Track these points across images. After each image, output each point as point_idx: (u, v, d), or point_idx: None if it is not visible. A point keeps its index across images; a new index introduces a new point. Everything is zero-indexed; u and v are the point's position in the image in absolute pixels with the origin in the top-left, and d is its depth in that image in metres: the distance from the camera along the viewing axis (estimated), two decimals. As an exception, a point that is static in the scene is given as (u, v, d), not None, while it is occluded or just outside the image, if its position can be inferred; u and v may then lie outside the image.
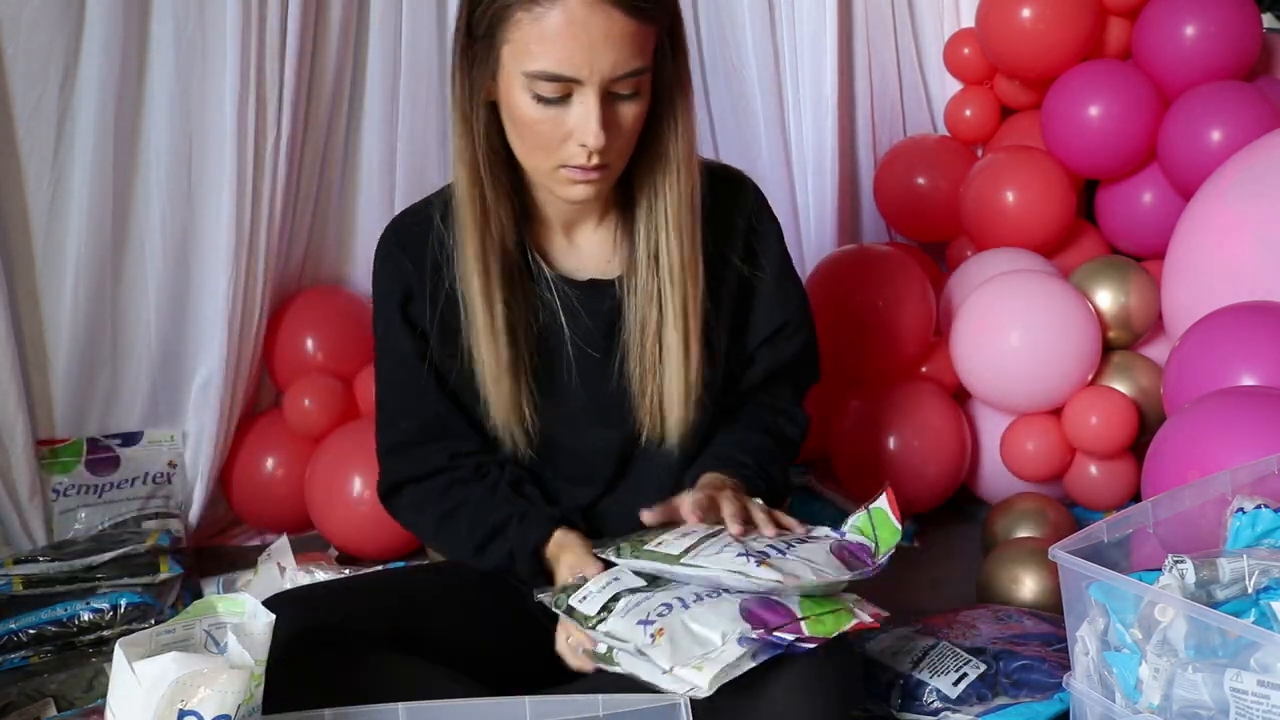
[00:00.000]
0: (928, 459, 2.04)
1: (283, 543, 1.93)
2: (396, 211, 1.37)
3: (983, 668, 1.32)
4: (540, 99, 1.10)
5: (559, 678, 1.21)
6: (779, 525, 1.14)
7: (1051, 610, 1.55)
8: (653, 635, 1.00)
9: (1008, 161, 2.24)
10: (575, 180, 1.14)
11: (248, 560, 2.00)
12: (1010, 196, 2.18)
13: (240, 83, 1.95)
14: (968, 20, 2.49)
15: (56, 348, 1.98)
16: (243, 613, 0.97)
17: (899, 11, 2.54)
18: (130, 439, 2.09)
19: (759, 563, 1.04)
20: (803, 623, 1.02)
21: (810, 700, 1.01)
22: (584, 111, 1.09)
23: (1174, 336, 1.83)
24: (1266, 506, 1.15)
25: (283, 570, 1.84)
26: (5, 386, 1.89)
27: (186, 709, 0.88)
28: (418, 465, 1.29)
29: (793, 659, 1.01)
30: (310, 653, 1.09)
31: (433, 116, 2.19)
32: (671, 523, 1.16)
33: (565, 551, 1.19)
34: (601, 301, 1.25)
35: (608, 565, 1.13)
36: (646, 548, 1.10)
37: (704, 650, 0.99)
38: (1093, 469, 2.00)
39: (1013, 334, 1.96)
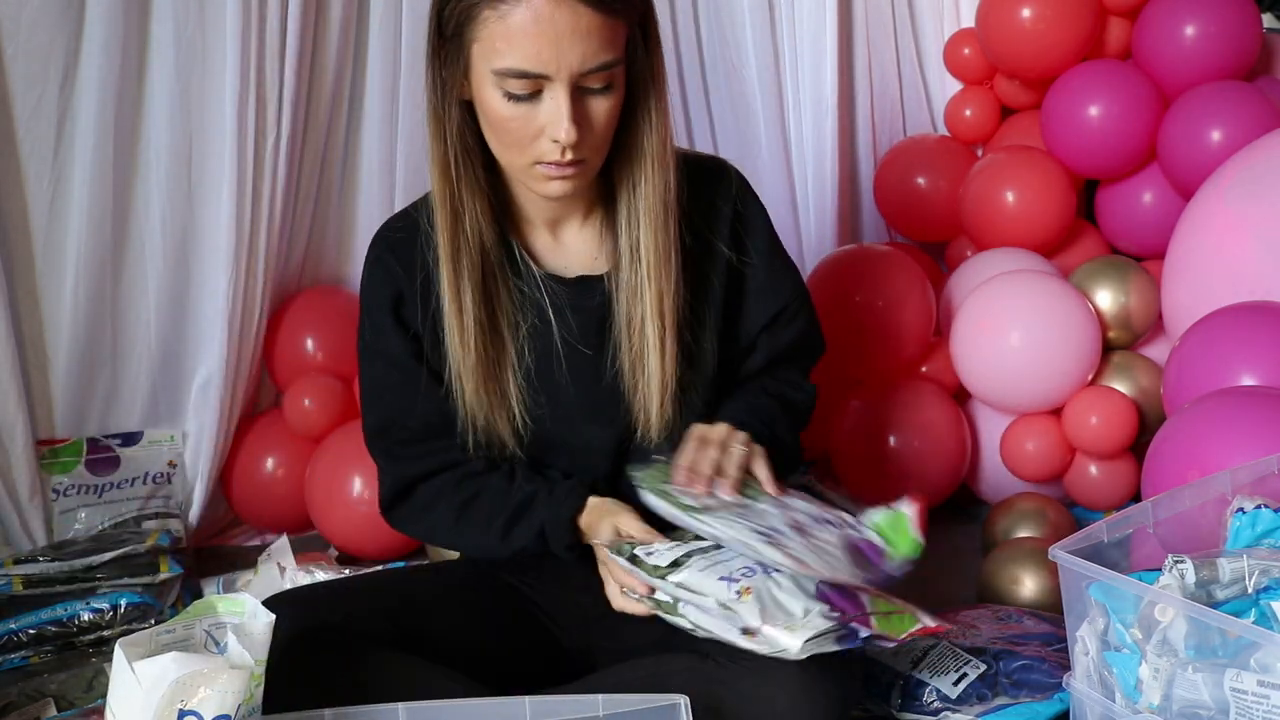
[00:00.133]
0: (928, 459, 2.04)
1: (283, 543, 1.93)
2: (396, 211, 1.37)
3: (983, 668, 1.32)
4: (511, 96, 1.10)
5: (559, 678, 1.21)
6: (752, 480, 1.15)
7: (1051, 610, 1.55)
8: (739, 592, 1.02)
9: (1008, 161, 2.23)
10: (551, 176, 1.14)
11: (248, 560, 2.00)
12: (1010, 196, 2.18)
13: (240, 83, 1.95)
14: (968, 20, 2.48)
15: (56, 348, 1.98)
16: (243, 613, 0.98)
17: (899, 11, 2.54)
18: (130, 439, 2.09)
19: (768, 542, 1.05)
20: (872, 618, 1.04)
21: (810, 700, 1.02)
22: (554, 107, 1.09)
23: (1174, 336, 1.83)
24: (1266, 506, 1.15)
25: (283, 570, 1.84)
26: (5, 386, 1.89)
27: (186, 709, 0.88)
28: (427, 462, 1.28)
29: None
30: (310, 653, 1.09)
31: (433, 116, 2.19)
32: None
33: (607, 514, 1.19)
34: (590, 298, 1.25)
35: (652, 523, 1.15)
36: (668, 490, 1.10)
37: (789, 617, 1.00)
38: (1093, 469, 2.00)
39: (1013, 334, 1.96)
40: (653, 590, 1.09)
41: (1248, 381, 1.52)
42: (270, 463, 2.12)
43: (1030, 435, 2.00)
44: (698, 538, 1.10)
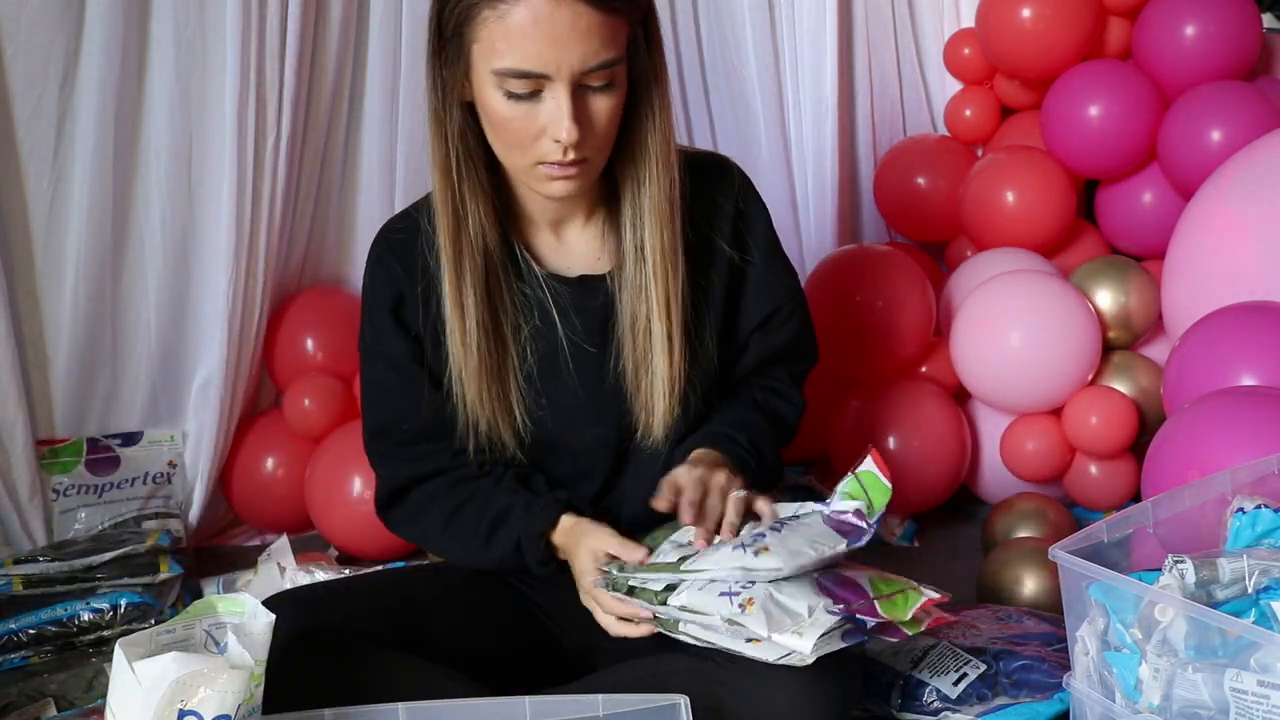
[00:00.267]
0: (928, 459, 2.04)
1: (283, 543, 1.93)
2: (396, 211, 1.37)
3: (983, 668, 1.32)
4: (512, 96, 1.10)
5: (559, 678, 1.21)
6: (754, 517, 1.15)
7: (1051, 610, 1.55)
8: (742, 605, 1.02)
9: (1008, 161, 2.23)
10: (554, 176, 1.14)
11: (248, 560, 2.00)
12: (1010, 196, 2.18)
13: (240, 83, 1.95)
14: (968, 20, 2.48)
15: (56, 348, 1.98)
16: (243, 613, 0.98)
17: (899, 11, 2.54)
18: (130, 439, 2.09)
19: (756, 553, 1.06)
20: (876, 603, 1.04)
21: (810, 700, 1.02)
22: (555, 106, 1.09)
23: (1174, 336, 1.83)
24: (1266, 506, 1.15)
25: (283, 570, 1.84)
26: (5, 386, 1.89)
27: (186, 709, 0.88)
28: (421, 466, 1.28)
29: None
30: (310, 653, 1.09)
31: (433, 116, 2.19)
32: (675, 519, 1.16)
33: (583, 537, 1.18)
34: (594, 298, 1.25)
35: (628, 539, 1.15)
36: (642, 571, 1.11)
37: (796, 620, 1.01)
38: (1093, 469, 2.00)
39: (1013, 334, 1.96)
40: (653, 614, 1.09)
41: (1248, 381, 1.52)
42: (270, 463, 2.12)
43: (1030, 435, 2.00)
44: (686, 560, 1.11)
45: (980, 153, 2.49)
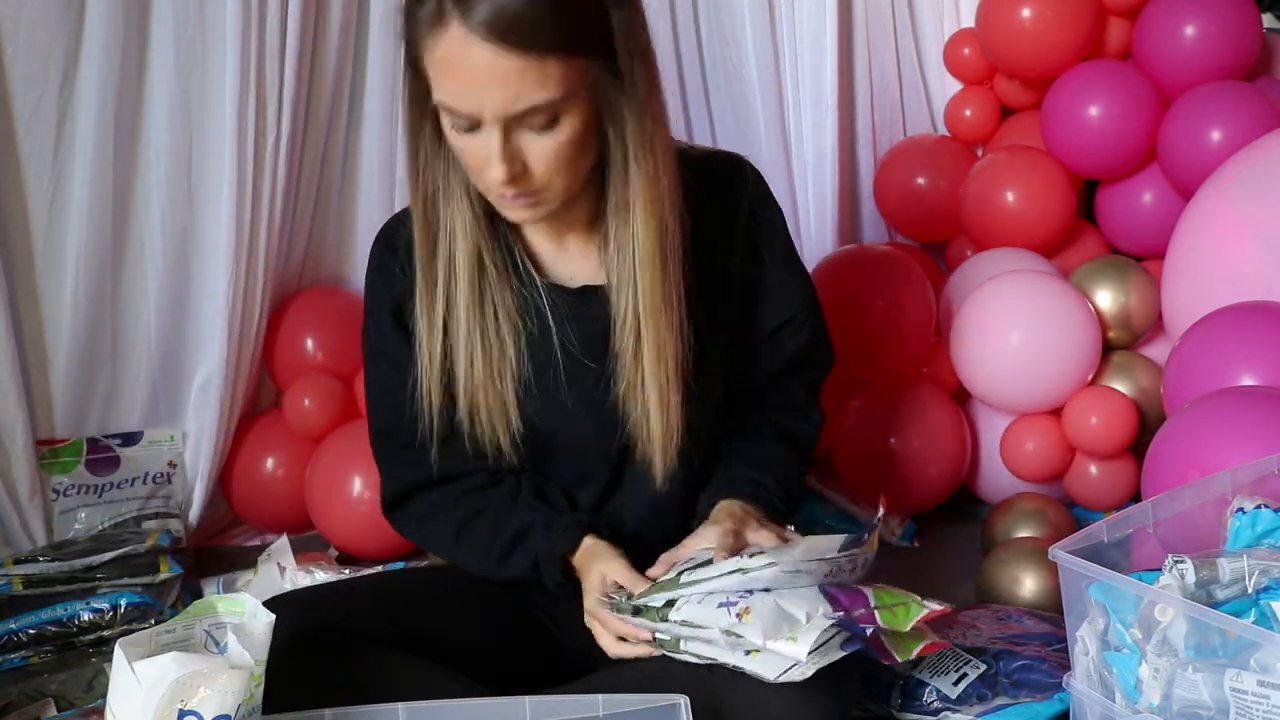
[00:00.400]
0: (928, 459, 2.04)
1: (283, 543, 1.93)
2: (397, 211, 1.36)
3: (983, 668, 1.32)
4: (455, 126, 1.05)
5: (559, 678, 1.21)
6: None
7: (1051, 610, 1.55)
8: (739, 614, 1.02)
9: (1008, 161, 2.23)
10: (509, 203, 1.09)
11: (248, 560, 2.00)
12: (1010, 196, 2.18)
13: (240, 83, 1.95)
14: (968, 20, 2.48)
15: (56, 348, 1.98)
16: (243, 613, 0.97)
17: (899, 11, 2.54)
18: (130, 439, 2.09)
19: (751, 554, 1.07)
20: (876, 612, 1.04)
21: (809, 700, 1.01)
22: (486, 146, 1.03)
23: (1174, 336, 1.83)
24: (1266, 506, 1.15)
25: (283, 570, 1.84)
26: (5, 386, 1.89)
27: (186, 709, 0.88)
28: (426, 470, 1.26)
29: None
30: (310, 653, 1.08)
31: (433, 116, 2.19)
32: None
33: (596, 559, 1.17)
34: (593, 309, 1.21)
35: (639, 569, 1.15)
36: (641, 599, 1.11)
37: (793, 626, 1.01)
38: (1093, 469, 2.01)
39: (1013, 334, 1.96)
40: (653, 635, 1.09)
41: (1248, 381, 1.52)
42: (270, 463, 2.12)
43: (1030, 435, 2.00)
44: (685, 573, 1.11)
45: (980, 153, 2.49)
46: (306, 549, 1.98)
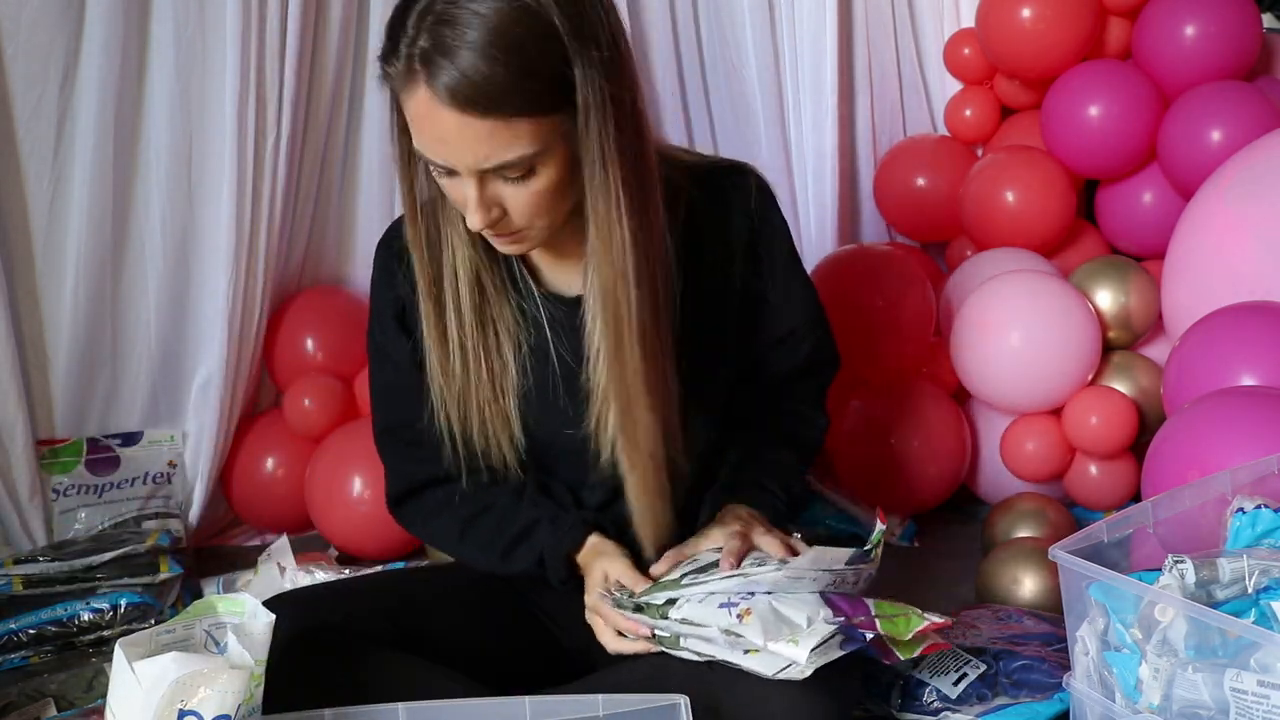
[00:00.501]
0: (928, 459, 2.04)
1: (283, 543, 1.93)
2: (396, 212, 1.36)
3: (983, 668, 1.32)
4: (434, 170, 1.05)
5: (559, 678, 1.21)
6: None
7: (1051, 610, 1.55)
8: (739, 615, 1.03)
9: (1008, 161, 2.24)
10: (493, 239, 1.10)
11: (248, 560, 2.00)
12: (1010, 196, 2.18)
13: (240, 83, 1.95)
14: (968, 20, 2.48)
15: (56, 348, 1.98)
16: (243, 613, 0.98)
17: (899, 11, 2.54)
18: (130, 439, 2.09)
19: (756, 563, 1.07)
20: (877, 620, 1.04)
21: (809, 700, 1.01)
22: (465, 193, 1.03)
23: (1174, 336, 1.83)
24: (1266, 506, 1.15)
25: (283, 570, 1.84)
26: (5, 386, 1.89)
27: (186, 709, 0.88)
28: (431, 468, 1.26)
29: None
30: (310, 653, 1.08)
31: (433, 116, 2.19)
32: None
33: (600, 557, 1.18)
34: (585, 318, 1.19)
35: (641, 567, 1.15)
36: (643, 597, 1.11)
37: (793, 630, 1.01)
38: (1093, 469, 2.01)
39: (1013, 334, 1.96)
40: (653, 631, 1.09)
41: (1248, 381, 1.52)
42: (270, 463, 2.12)
43: (1030, 435, 2.00)
44: (688, 575, 1.11)
45: (980, 153, 2.49)
46: (306, 549, 1.98)
